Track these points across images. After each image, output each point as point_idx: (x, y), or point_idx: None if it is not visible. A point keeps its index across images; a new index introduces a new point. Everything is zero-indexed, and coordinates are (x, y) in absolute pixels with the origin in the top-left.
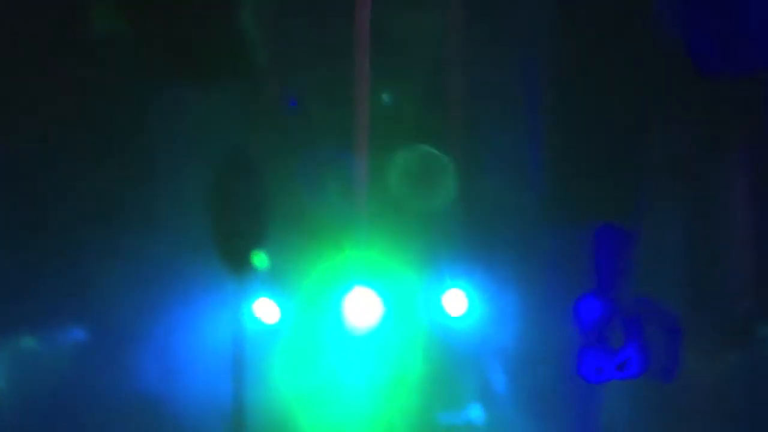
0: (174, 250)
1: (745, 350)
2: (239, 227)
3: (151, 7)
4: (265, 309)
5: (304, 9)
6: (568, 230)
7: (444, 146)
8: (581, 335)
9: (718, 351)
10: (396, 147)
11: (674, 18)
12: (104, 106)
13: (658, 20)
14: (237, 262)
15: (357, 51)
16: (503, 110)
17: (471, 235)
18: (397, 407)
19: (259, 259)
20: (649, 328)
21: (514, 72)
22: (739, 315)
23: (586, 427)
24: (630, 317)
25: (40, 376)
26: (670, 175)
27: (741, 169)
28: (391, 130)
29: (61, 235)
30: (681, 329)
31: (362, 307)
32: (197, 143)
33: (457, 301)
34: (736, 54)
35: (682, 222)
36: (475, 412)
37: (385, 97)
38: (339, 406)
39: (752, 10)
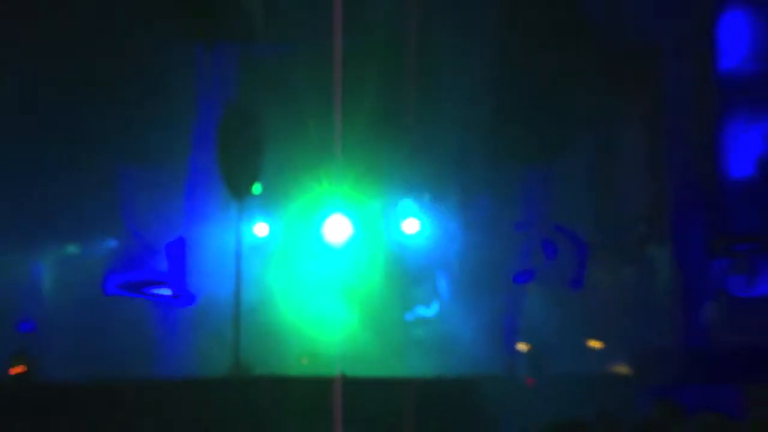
0: (192, 182)
1: (638, 265)
2: (241, 164)
3: None
4: (259, 227)
5: None
6: (504, 169)
7: (405, 104)
8: (511, 254)
9: (618, 266)
10: (365, 102)
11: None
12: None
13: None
14: (239, 190)
15: (334, 32)
16: (458, 74)
17: (426, 170)
18: (362, 307)
19: (256, 188)
20: (563, 248)
21: (469, 48)
22: (635, 238)
23: (510, 320)
24: (549, 240)
25: (81, 277)
26: (583, 127)
27: (636, 124)
28: (360, 89)
29: (101, 170)
30: (588, 250)
31: (337, 228)
32: (206, 99)
33: (411, 223)
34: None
35: (589, 166)
36: (426, 310)
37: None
38: (316, 303)
39: None
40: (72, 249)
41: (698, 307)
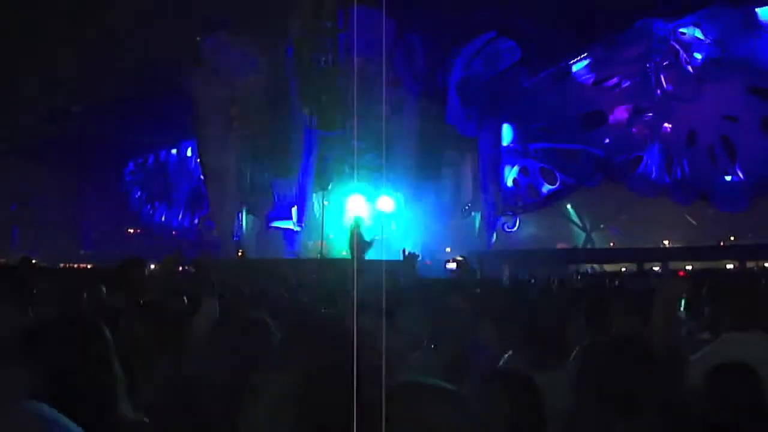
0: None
1: (467, 218)
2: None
3: None
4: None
5: None
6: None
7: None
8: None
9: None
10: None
11: None
12: None
13: None
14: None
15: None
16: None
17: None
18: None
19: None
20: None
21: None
22: (468, 208)
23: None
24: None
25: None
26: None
27: (466, 168)
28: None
29: None
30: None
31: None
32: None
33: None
34: None
35: (454, 185)
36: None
37: None
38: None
39: None
40: None
41: (492, 231)
